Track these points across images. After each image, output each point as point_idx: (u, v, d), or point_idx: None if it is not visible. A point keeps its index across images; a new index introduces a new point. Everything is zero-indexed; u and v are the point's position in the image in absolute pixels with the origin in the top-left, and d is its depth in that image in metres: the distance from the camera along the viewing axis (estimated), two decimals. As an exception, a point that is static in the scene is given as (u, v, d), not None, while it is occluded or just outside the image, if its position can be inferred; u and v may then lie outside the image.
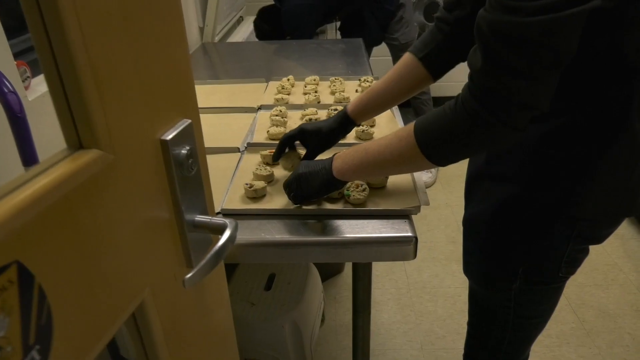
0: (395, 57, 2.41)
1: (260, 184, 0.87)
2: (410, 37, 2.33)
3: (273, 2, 2.22)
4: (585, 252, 0.81)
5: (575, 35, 0.57)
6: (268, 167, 0.94)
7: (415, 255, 0.77)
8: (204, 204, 0.61)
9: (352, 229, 0.79)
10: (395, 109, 1.21)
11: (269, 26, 2.21)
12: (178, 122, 0.55)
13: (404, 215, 0.82)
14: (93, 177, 0.42)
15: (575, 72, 0.64)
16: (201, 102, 1.33)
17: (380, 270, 2.00)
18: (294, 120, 1.20)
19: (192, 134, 0.56)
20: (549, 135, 0.71)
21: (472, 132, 0.64)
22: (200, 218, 0.60)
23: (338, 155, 0.80)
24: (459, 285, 1.90)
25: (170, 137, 0.52)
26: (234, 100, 1.34)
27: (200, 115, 1.28)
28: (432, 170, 2.51)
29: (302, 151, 0.95)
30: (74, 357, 0.41)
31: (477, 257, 0.88)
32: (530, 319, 0.89)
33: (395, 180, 0.91)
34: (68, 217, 0.39)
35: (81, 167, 0.40)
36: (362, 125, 1.09)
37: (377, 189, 0.88)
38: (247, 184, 0.87)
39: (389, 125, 1.16)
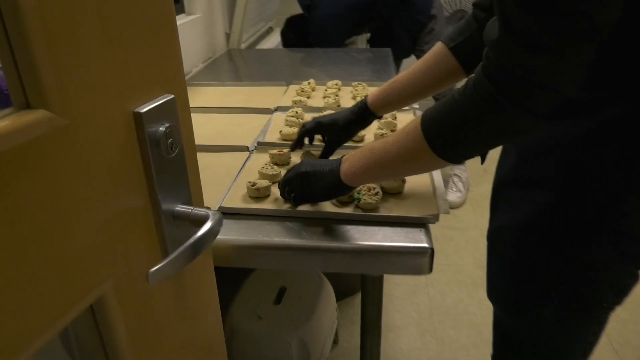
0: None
1: (264, 182, 0.80)
2: (441, 51, 2.24)
3: (302, 12, 2.19)
4: (635, 277, 0.69)
5: (616, 1, 0.47)
6: (275, 167, 0.87)
7: (430, 269, 0.68)
8: (188, 193, 0.54)
9: (361, 236, 0.70)
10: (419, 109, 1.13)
11: (295, 35, 2.18)
12: (158, 96, 0.48)
13: (420, 224, 0.72)
14: (38, 140, 0.35)
15: (623, 54, 0.54)
16: (217, 103, 1.30)
17: (401, 292, 1.88)
18: (311, 123, 1.13)
19: (174, 111, 0.50)
20: (592, 132, 0.60)
21: (484, 118, 0.55)
22: (181, 208, 0.53)
23: (346, 158, 0.72)
24: (485, 313, 1.76)
25: (145, 109, 0.46)
26: (252, 102, 1.29)
27: (214, 114, 1.24)
28: (462, 189, 2.39)
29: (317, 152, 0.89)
30: (5, 351, 0.34)
31: (502, 277, 0.77)
32: (565, 354, 0.77)
33: (412, 185, 0.82)
34: (1, 184, 0.33)
35: (21, 127, 0.34)
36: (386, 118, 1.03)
37: (393, 194, 0.80)
38: (249, 182, 0.80)
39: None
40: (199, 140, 1.00)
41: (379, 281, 0.78)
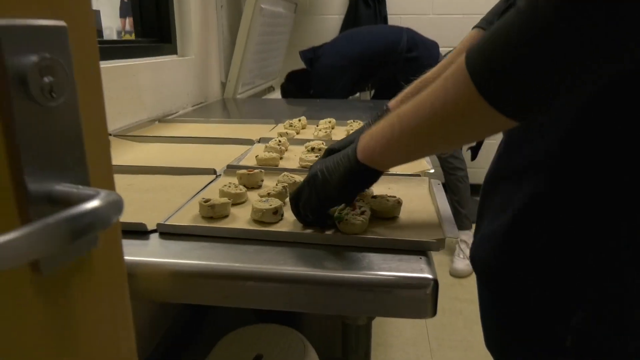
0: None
1: (221, 200, 0.63)
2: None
3: (303, 67, 2.15)
4: None
5: None
6: (242, 187, 0.71)
7: (434, 311, 0.48)
8: (83, 168, 0.38)
9: (338, 264, 0.52)
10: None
11: (296, 88, 2.12)
12: (37, 16, 0.34)
13: (419, 251, 0.54)
14: None
15: None
16: (200, 134, 1.17)
17: (402, 371, 1.62)
18: (295, 153, 0.98)
19: (62, 43, 0.35)
20: (608, 92, 0.43)
21: (568, 36, 0.35)
22: (62, 187, 0.36)
23: (366, 132, 0.54)
24: (503, 400, 1.48)
25: (3, 24, 0.31)
26: (235, 135, 1.16)
27: (190, 144, 1.10)
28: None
29: None
30: None
31: (492, 314, 0.57)
32: None
33: (411, 208, 0.65)
34: None
35: None
36: None
37: (386, 219, 0.62)
38: (203, 199, 0.63)
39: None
40: (162, 164, 0.86)
41: (365, 333, 0.58)
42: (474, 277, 2.15)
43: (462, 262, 2.15)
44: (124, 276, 0.44)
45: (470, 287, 2.07)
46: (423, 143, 0.48)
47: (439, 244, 0.55)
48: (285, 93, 2.18)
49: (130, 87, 1.24)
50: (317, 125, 1.20)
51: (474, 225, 2.20)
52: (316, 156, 0.87)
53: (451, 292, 2.01)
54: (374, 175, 0.53)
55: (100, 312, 0.42)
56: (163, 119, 1.36)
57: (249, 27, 1.81)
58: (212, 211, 0.62)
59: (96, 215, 0.33)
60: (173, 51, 1.61)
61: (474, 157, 0.61)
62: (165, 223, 0.59)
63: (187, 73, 1.63)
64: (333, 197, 0.55)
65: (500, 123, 0.41)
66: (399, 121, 0.48)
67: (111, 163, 0.41)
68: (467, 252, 2.20)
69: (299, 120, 1.25)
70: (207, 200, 0.62)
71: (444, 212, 0.62)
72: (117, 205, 0.35)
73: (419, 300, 0.48)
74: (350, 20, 2.76)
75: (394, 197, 0.64)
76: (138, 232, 0.58)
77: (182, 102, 1.59)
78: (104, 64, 1.14)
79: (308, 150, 0.91)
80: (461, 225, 2.27)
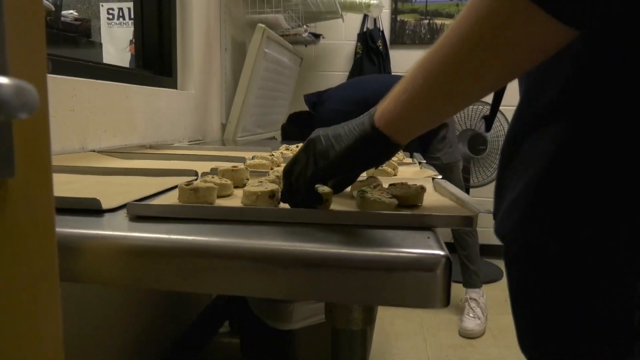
0: (436, 179, 2.17)
1: (206, 184, 0.55)
2: (453, 158, 2.10)
3: (305, 110, 2.13)
4: None
5: None
6: (227, 179, 0.62)
7: (446, 299, 0.37)
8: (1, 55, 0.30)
9: (326, 240, 0.42)
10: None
11: (298, 129, 2.08)
12: None
13: (427, 228, 0.44)
14: None
15: None
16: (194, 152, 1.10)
17: None
18: (289, 167, 0.90)
19: None
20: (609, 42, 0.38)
21: None
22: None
23: (386, 96, 0.46)
24: None
25: None
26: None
27: (177, 161, 1.03)
28: (481, 316, 2.00)
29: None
30: None
31: (529, 305, 0.46)
32: None
33: (433, 198, 0.57)
34: None
35: None
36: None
37: (407, 206, 0.54)
38: (185, 183, 0.55)
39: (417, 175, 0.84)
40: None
41: (360, 341, 0.45)
42: (485, 337, 1.98)
43: (472, 322, 1.98)
44: (51, 253, 0.34)
45: (481, 347, 1.88)
46: (453, 84, 0.40)
47: (471, 221, 0.46)
48: (286, 134, 2.14)
49: (120, 107, 1.18)
50: (316, 150, 1.13)
51: (483, 286, 2.03)
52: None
53: (461, 354, 1.83)
54: (390, 147, 0.45)
55: (10, 281, 0.32)
56: (155, 146, 1.30)
57: (252, 67, 1.81)
58: (194, 196, 0.53)
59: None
60: (173, 85, 1.59)
61: (488, 128, 0.54)
62: (140, 203, 0.49)
63: (186, 105, 1.60)
64: (334, 166, 0.47)
65: (551, 34, 0.33)
66: (421, 68, 0.40)
67: (45, 60, 0.32)
68: (478, 311, 2.03)
69: (296, 146, 1.19)
70: (188, 183, 0.54)
71: (462, 196, 0.53)
72: (26, 94, 0.27)
73: (427, 283, 0.37)
74: (355, 77, 2.80)
75: (415, 184, 0.57)
76: (90, 211, 0.49)
77: (178, 135, 1.54)
78: (91, 80, 1.10)
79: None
80: (470, 283, 2.12)
